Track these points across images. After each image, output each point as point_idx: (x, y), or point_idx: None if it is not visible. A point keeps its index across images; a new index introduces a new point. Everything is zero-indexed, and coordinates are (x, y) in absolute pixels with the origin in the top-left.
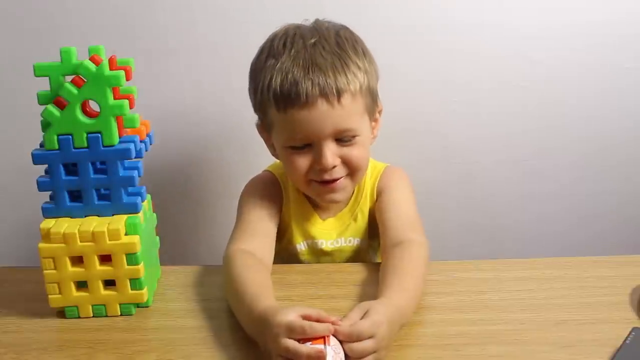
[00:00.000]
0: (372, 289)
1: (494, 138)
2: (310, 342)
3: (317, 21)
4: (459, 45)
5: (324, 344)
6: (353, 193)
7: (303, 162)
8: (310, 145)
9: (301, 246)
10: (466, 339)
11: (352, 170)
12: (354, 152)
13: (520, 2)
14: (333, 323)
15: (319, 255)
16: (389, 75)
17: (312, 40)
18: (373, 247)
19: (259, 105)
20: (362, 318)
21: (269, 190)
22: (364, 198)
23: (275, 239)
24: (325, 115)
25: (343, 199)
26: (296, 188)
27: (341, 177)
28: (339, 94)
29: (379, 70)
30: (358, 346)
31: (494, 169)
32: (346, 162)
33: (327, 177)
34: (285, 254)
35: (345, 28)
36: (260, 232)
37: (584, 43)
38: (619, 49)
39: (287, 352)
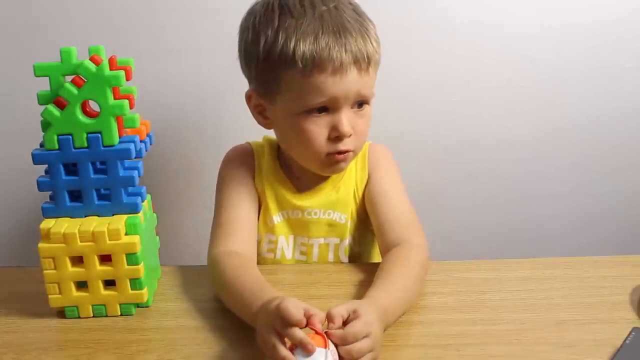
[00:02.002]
0: None
1: (495, 138)
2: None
3: None
4: (459, 45)
5: (325, 347)
6: None
7: (320, 131)
8: (326, 110)
9: (278, 218)
10: (466, 339)
11: (358, 143)
12: (362, 124)
13: (520, 2)
14: (312, 325)
15: (295, 227)
16: (389, 75)
17: (333, 4)
18: (365, 239)
19: (267, 68)
20: (350, 317)
21: (243, 163)
22: (349, 171)
23: (256, 224)
24: (354, 81)
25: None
26: (272, 160)
27: (351, 150)
28: (369, 61)
29: (379, 72)
30: (355, 347)
31: (495, 169)
32: (355, 133)
33: (341, 147)
34: (260, 229)
35: None
36: (241, 226)
37: (585, 43)
38: (620, 48)
39: (266, 344)
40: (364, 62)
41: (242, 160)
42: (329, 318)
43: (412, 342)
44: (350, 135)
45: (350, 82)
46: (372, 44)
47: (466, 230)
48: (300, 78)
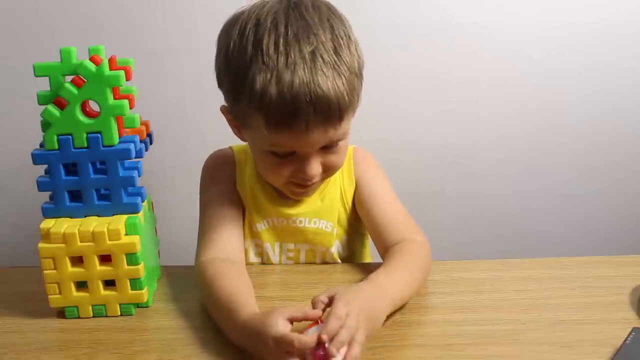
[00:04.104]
0: None
1: (493, 137)
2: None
3: (298, 5)
4: (458, 45)
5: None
6: None
7: (285, 169)
8: (293, 154)
9: (262, 225)
10: (466, 339)
11: (328, 174)
12: (335, 158)
13: (519, 2)
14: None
15: (280, 234)
16: (388, 75)
17: (310, 48)
18: (353, 243)
19: (236, 100)
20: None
21: (224, 170)
22: (334, 179)
23: (242, 228)
24: (323, 136)
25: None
26: (255, 168)
27: (316, 182)
28: (342, 117)
29: (378, 71)
30: (336, 340)
31: (493, 168)
32: (326, 169)
33: (308, 183)
34: (246, 235)
35: (329, 11)
36: (225, 232)
37: (584, 43)
38: (618, 48)
39: None
40: (335, 118)
41: (223, 167)
42: (313, 305)
43: (412, 342)
44: (319, 173)
45: (318, 137)
46: (348, 92)
47: (466, 230)
48: (265, 129)
